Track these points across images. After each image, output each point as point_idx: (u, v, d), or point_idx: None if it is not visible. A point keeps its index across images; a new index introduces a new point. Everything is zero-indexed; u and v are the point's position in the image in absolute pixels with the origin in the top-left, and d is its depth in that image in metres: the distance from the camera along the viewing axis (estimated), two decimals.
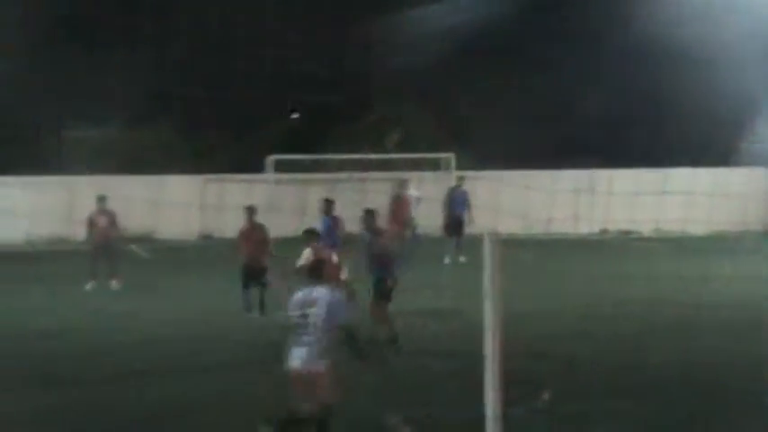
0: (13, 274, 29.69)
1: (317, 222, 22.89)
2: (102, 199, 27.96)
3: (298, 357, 11.60)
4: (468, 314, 18.45)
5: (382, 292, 18.56)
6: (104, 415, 14.23)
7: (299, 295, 11.84)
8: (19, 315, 22.77)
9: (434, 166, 41.81)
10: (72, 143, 47.93)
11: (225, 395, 15.18)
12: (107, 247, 27.42)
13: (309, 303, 11.65)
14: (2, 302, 24.61)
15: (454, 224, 32.72)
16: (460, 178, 34.42)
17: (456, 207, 32.96)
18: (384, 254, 18.82)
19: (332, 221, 23.26)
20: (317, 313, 11.55)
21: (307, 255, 18.92)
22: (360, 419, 12.32)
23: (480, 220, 31.76)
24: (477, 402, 9.93)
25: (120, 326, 21.38)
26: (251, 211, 22.97)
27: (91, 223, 27.68)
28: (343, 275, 19.13)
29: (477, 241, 10.09)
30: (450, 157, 41.43)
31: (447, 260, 31.96)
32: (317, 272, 12.06)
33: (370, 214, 19.60)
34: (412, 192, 32.89)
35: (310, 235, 19.76)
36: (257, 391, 14.99)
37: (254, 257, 22.29)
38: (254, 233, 22.58)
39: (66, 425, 13.87)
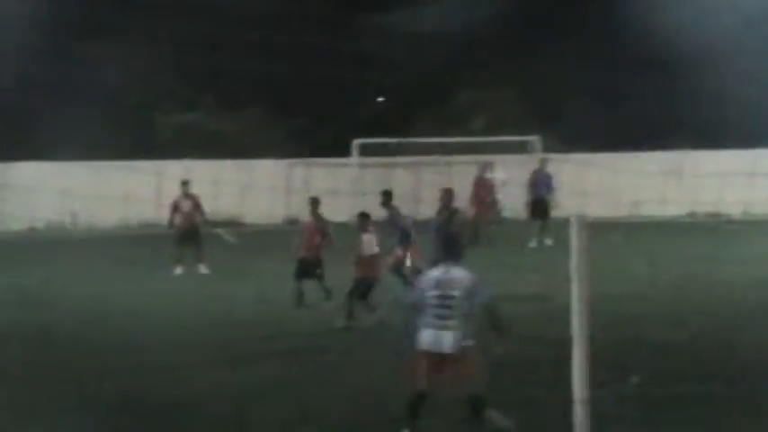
0: (106, 259, 30.07)
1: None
2: (185, 183, 28.28)
3: (434, 339, 11.42)
4: (555, 297, 18.37)
5: None
6: (174, 399, 14.34)
7: (434, 274, 11.62)
8: (109, 299, 23.10)
9: (520, 149, 41.56)
10: (162, 127, 48.45)
11: (302, 379, 15.31)
12: (192, 231, 27.71)
13: (448, 284, 11.48)
14: (94, 286, 25.00)
15: (538, 207, 32.58)
16: (544, 160, 34.25)
17: (539, 189, 32.80)
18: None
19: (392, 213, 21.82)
20: (456, 294, 11.40)
21: (367, 241, 18.93)
22: (448, 402, 12.29)
23: (567, 203, 31.59)
24: (565, 385, 9.91)
25: (207, 310, 21.56)
26: (314, 203, 22.44)
27: (175, 208, 28.02)
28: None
29: (563, 224, 10.06)
30: (536, 139, 41.18)
31: (532, 243, 31.82)
32: (454, 251, 11.88)
33: (447, 193, 19.49)
34: (498, 175, 32.78)
35: (364, 219, 19.57)
36: (336, 376, 15.12)
37: (312, 250, 21.76)
38: (315, 226, 22.04)
39: (149, 408, 14.03)
